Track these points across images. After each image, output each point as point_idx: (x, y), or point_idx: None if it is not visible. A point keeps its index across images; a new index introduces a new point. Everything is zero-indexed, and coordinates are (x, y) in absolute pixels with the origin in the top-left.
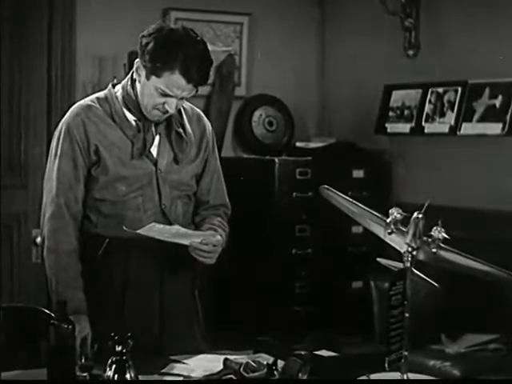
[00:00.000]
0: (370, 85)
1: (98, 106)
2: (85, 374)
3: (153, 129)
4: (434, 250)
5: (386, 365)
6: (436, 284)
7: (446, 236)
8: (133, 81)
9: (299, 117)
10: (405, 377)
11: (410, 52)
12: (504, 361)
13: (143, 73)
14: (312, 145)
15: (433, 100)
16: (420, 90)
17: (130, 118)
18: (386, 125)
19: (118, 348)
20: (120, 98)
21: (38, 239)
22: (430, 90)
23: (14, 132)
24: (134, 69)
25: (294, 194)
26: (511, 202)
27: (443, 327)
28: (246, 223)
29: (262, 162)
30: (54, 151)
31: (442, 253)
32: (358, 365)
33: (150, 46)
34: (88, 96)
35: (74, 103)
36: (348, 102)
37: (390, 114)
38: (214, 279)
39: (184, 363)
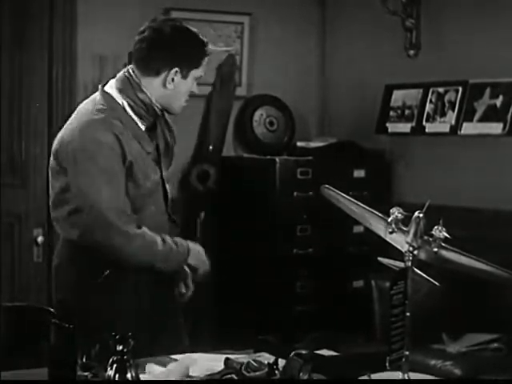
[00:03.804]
0: (371, 84)
1: (115, 121)
2: (86, 374)
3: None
4: (435, 250)
5: (387, 364)
6: (437, 283)
7: (447, 235)
8: (139, 85)
9: (300, 116)
10: (406, 376)
11: (411, 52)
12: (505, 360)
13: (178, 75)
14: (313, 144)
15: (433, 100)
16: (421, 90)
17: (142, 127)
18: (387, 124)
19: (119, 347)
20: (127, 107)
21: (39, 239)
22: (430, 90)
23: (15, 132)
24: (167, 78)
25: (295, 193)
26: (511, 202)
27: (444, 327)
28: (246, 223)
29: (263, 161)
30: (96, 172)
31: (443, 252)
32: (358, 364)
33: (184, 45)
34: (83, 105)
35: (75, 103)
36: (349, 102)
37: (391, 113)
38: (215, 279)
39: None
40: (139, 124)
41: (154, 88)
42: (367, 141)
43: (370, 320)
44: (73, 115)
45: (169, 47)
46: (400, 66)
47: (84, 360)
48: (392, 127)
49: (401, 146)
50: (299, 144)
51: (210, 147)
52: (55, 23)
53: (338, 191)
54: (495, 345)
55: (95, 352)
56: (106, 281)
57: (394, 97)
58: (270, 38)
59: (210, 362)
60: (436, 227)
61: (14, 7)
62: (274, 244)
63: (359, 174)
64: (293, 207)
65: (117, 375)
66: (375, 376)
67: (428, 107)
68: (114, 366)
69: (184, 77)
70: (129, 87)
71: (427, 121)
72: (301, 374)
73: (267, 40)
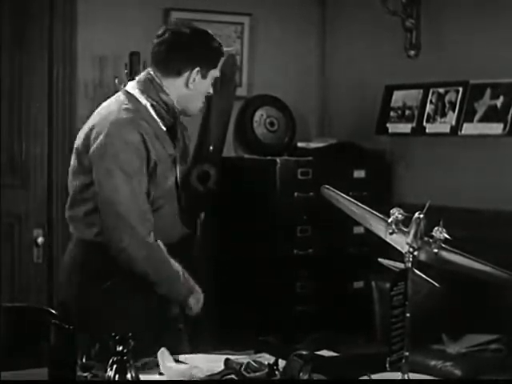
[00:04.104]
0: (371, 85)
1: (141, 122)
2: (86, 374)
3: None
4: (435, 251)
5: (387, 365)
6: (437, 284)
7: (447, 236)
8: (161, 86)
9: (300, 117)
10: (406, 377)
11: (411, 52)
12: (505, 361)
13: (199, 75)
14: (313, 145)
15: (434, 100)
16: (421, 91)
17: (163, 128)
18: (387, 125)
19: (119, 348)
20: (150, 108)
21: (39, 239)
22: (431, 91)
23: (15, 132)
24: (189, 78)
25: (296, 194)
26: (511, 202)
27: (444, 327)
28: (247, 223)
29: (264, 162)
30: (119, 170)
31: (443, 253)
32: (359, 365)
33: (203, 46)
34: (108, 102)
35: (75, 103)
36: (349, 103)
37: (391, 114)
38: (216, 279)
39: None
40: (161, 125)
41: (175, 88)
42: (367, 141)
43: (370, 321)
44: (95, 115)
45: (190, 47)
46: (400, 67)
47: (84, 360)
48: (392, 128)
49: (401, 147)
50: (299, 144)
51: (211, 148)
52: (55, 23)
53: (338, 192)
54: (495, 345)
55: (95, 352)
56: (114, 282)
57: (394, 97)
58: (270, 38)
59: (210, 363)
60: (436, 228)
61: (14, 7)
62: (275, 245)
63: (359, 174)
64: (293, 208)
65: (117, 376)
66: (375, 376)
67: (428, 108)
68: (114, 366)
69: (203, 76)
70: (151, 88)
71: (427, 121)
72: (301, 375)
73: (267, 40)
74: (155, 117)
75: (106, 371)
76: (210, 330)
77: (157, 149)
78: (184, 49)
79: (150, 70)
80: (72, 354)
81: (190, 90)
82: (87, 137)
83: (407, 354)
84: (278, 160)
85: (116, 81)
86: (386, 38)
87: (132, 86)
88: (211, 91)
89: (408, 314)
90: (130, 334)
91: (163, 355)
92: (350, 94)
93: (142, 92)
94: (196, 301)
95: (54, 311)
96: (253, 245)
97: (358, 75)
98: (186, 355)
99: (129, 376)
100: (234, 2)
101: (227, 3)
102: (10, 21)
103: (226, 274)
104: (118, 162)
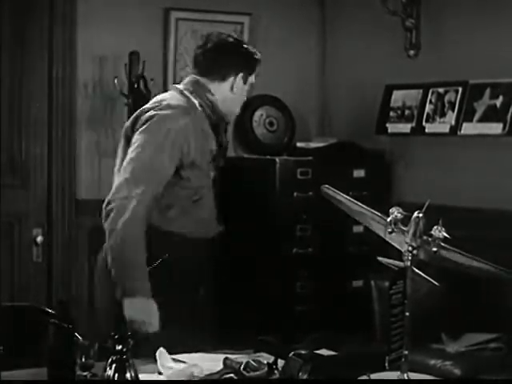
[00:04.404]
0: (371, 85)
1: (192, 115)
2: (85, 374)
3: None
4: (434, 249)
5: (387, 364)
6: (436, 283)
7: (447, 235)
8: (208, 88)
9: (300, 117)
10: (405, 376)
11: (411, 52)
12: (504, 360)
13: (241, 81)
14: (313, 145)
15: (433, 100)
16: (421, 90)
17: (209, 127)
18: (387, 125)
19: (118, 347)
20: (199, 106)
21: (39, 238)
22: (430, 90)
23: (15, 132)
24: (234, 83)
25: (295, 193)
26: (511, 202)
27: (444, 326)
28: (246, 223)
29: (263, 162)
30: (151, 143)
31: (443, 252)
32: (358, 364)
33: (246, 53)
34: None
35: (75, 103)
36: (349, 102)
37: (391, 113)
38: (215, 279)
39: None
40: (207, 121)
41: (221, 92)
42: (367, 141)
43: (369, 320)
44: (147, 104)
45: (234, 54)
46: (400, 66)
47: (83, 360)
48: (392, 127)
49: (401, 147)
50: (299, 144)
51: None
52: (55, 23)
53: (337, 191)
54: (495, 344)
55: (94, 352)
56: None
57: (393, 97)
58: (270, 38)
59: (209, 362)
60: (435, 227)
61: (14, 7)
62: (274, 244)
63: (359, 174)
64: (293, 207)
65: (116, 375)
66: (375, 376)
67: (428, 107)
68: (114, 365)
69: (244, 82)
70: (199, 89)
71: (427, 121)
72: (300, 374)
73: (267, 40)
74: (202, 113)
75: (105, 370)
76: (209, 329)
77: (199, 141)
78: (230, 56)
79: (192, 75)
80: (71, 354)
81: (234, 94)
82: (137, 116)
83: (406, 352)
84: (277, 160)
85: (116, 81)
86: (385, 38)
87: (180, 88)
88: (246, 96)
89: (407, 313)
90: (130, 334)
91: (161, 356)
92: (349, 93)
93: (191, 92)
94: (134, 312)
95: (53, 311)
96: (252, 245)
97: (358, 75)
98: (186, 354)
99: (128, 375)
100: (234, 1)
101: (227, 3)
102: (10, 21)
103: (225, 274)
104: (145, 134)
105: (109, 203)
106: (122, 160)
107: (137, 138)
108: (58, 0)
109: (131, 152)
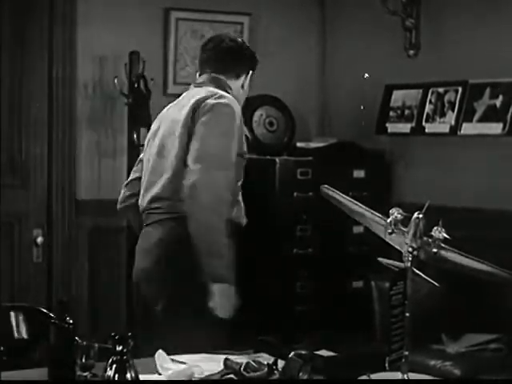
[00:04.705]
0: (371, 85)
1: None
2: (85, 374)
3: None
4: (434, 250)
5: (387, 364)
6: (436, 284)
7: (447, 236)
8: (229, 86)
9: (300, 117)
10: (405, 376)
11: (411, 52)
12: (505, 360)
13: (247, 79)
14: (313, 145)
15: (433, 100)
16: (420, 90)
17: None
18: (387, 125)
19: (119, 348)
20: (232, 99)
21: (39, 239)
22: (430, 90)
23: (15, 132)
24: (245, 80)
25: (295, 193)
26: (511, 202)
27: (444, 327)
28: (246, 223)
29: (263, 162)
30: (225, 131)
31: (443, 253)
32: (358, 364)
33: (249, 53)
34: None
35: (75, 103)
36: (349, 102)
37: (391, 113)
38: None
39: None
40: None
41: (236, 89)
42: (367, 141)
43: (369, 320)
44: (188, 98)
45: (246, 53)
46: (400, 66)
47: (83, 360)
48: (392, 127)
49: (401, 147)
50: (299, 144)
51: None
52: (55, 23)
53: (337, 192)
54: (495, 345)
55: (94, 352)
56: None
57: (393, 97)
58: (270, 37)
59: (209, 363)
60: (435, 228)
61: (14, 7)
62: (274, 244)
63: (359, 174)
64: (293, 207)
65: (116, 375)
66: (375, 376)
67: (428, 107)
68: (114, 366)
69: (250, 80)
70: (223, 85)
71: (427, 121)
72: (300, 375)
73: (267, 40)
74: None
75: (105, 371)
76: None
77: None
78: (243, 53)
79: (212, 73)
80: (71, 354)
81: (244, 91)
82: (196, 107)
83: (407, 353)
84: (277, 160)
85: (116, 81)
86: (385, 38)
87: (209, 84)
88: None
89: (407, 314)
90: (130, 334)
91: (160, 357)
92: (349, 93)
93: (218, 87)
94: (221, 296)
95: (53, 311)
96: (252, 245)
97: (358, 75)
98: (186, 355)
99: (128, 376)
100: (234, 1)
101: (227, 3)
102: (10, 21)
103: None
104: (221, 122)
105: (193, 186)
106: (182, 147)
107: (204, 126)
108: (58, 0)
109: (202, 139)
